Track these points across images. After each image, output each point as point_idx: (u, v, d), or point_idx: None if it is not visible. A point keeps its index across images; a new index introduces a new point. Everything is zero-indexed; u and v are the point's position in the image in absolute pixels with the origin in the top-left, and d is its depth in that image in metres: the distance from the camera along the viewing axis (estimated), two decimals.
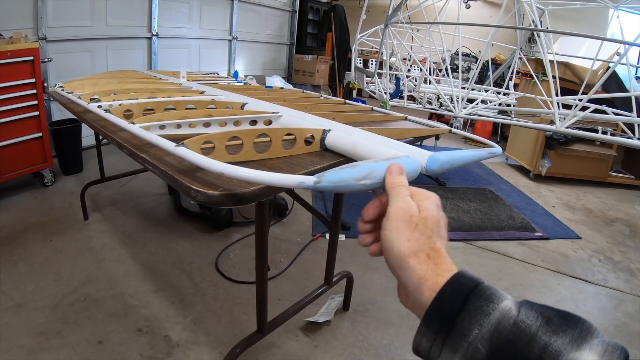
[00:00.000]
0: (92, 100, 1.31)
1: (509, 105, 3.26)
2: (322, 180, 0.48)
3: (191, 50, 4.90)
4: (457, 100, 2.40)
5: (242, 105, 1.15)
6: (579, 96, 2.40)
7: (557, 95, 2.39)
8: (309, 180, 0.48)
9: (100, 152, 2.49)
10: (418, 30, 3.41)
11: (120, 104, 1.10)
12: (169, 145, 0.70)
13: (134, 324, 1.65)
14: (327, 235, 2.17)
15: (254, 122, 0.94)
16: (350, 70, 3.96)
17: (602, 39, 2.48)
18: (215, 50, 5.26)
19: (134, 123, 0.87)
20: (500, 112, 3.21)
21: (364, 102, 4.10)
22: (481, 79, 5.08)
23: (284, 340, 1.62)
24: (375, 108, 1.53)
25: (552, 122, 2.25)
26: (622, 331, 1.89)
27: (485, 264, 2.31)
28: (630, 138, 2.43)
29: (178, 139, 0.71)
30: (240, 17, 5.39)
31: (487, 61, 3.38)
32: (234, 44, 5.42)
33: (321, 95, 1.78)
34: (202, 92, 1.46)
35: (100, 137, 2.35)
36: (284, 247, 2.30)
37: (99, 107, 1.09)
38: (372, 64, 5.44)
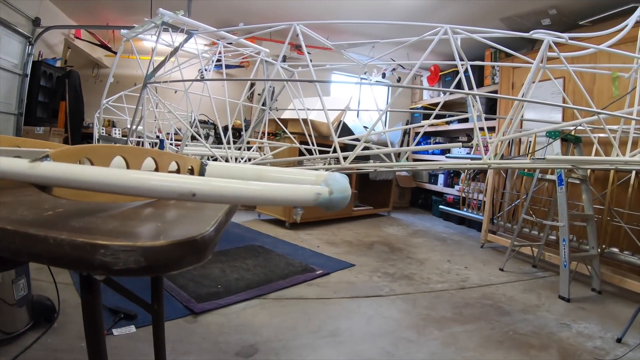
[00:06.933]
0: None
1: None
2: None
3: None
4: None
5: None
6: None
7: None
8: None
9: None
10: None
11: None
12: None
13: None
14: (115, 331, 1.71)
15: None
16: (85, 142, 3.42)
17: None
18: None
19: None
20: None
21: None
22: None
23: None
24: None
25: None
26: (431, 322, 2.12)
27: (289, 312, 2.17)
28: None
29: None
30: None
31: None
32: None
33: None
34: None
35: None
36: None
37: None
38: (114, 132, 4.84)
